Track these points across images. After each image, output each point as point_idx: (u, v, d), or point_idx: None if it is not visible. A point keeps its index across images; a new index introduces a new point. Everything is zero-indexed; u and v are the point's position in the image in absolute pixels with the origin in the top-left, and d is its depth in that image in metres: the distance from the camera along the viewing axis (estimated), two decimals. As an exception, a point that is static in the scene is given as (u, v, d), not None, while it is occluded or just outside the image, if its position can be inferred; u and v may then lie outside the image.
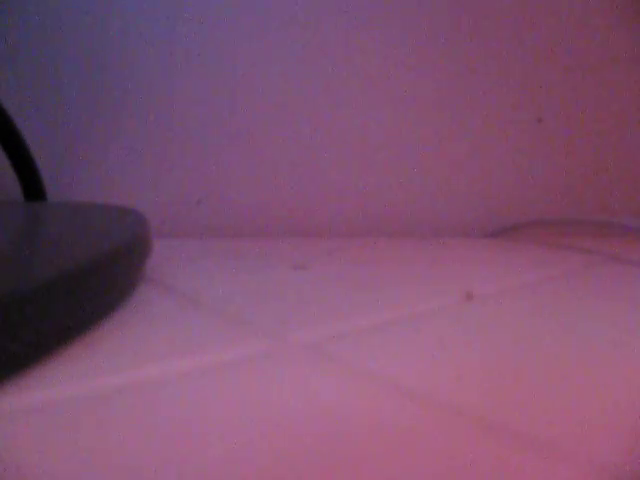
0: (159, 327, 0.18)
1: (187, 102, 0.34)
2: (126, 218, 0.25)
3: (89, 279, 0.17)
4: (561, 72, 0.38)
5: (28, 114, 0.32)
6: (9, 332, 0.13)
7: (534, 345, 0.17)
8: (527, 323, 0.19)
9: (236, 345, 0.16)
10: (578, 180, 0.39)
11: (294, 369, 0.15)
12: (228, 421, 0.12)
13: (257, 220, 0.36)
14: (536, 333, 0.18)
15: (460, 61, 0.37)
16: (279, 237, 0.35)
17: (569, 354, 0.16)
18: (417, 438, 0.11)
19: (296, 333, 0.17)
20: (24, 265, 0.17)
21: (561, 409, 0.13)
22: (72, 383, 0.13)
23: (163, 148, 0.35)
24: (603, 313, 0.21)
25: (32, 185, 0.31)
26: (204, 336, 0.17)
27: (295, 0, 0.35)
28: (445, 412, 0.13)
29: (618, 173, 0.39)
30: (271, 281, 0.24)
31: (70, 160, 0.34)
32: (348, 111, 0.36)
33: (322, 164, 0.36)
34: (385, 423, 0.12)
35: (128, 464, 0.10)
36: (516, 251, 0.33)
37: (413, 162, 0.37)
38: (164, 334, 0.17)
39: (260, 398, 0.13)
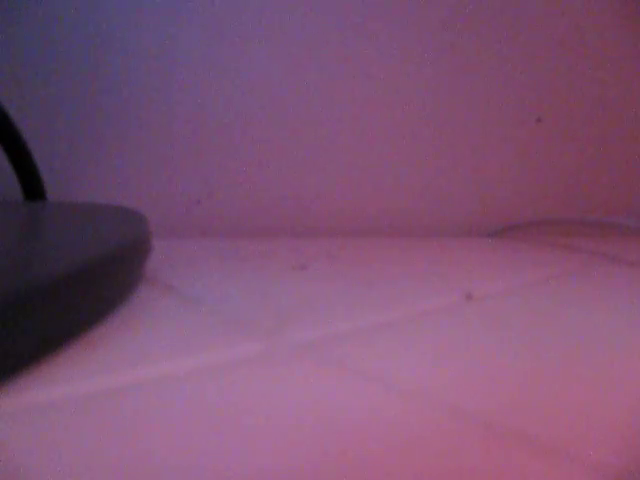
0: (159, 327, 0.18)
1: (187, 102, 0.34)
2: (126, 218, 0.25)
3: (89, 279, 0.17)
4: (561, 72, 0.38)
5: (28, 114, 0.32)
6: (9, 332, 0.13)
7: (534, 345, 0.17)
8: (527, 323, 0.19)
9: (235, 345, 0.16)
10: (578, 180, 0.39)
11: (293, 369, 0.15)
12: (227, 421, 0.12)
13: (257, 220, 0.36)
14: (536, 333, 0.18)
15: (460, 61, 0.37)
16: (279, 237, 0.35)
17: (569, 354, 0.16)
18: (416, 438, 0.11)
19: (295, 333, 0.17)
20: (24, 265, 0.17)
21: (561, 409, 0.13)
22: (72, 383, 0.13)
23: (163, 148, 0.35)
24: (603, 313, 0.21)
25: (32, 185, 0.31)
26: (204, 336, 0.17)
27: None
28: (445, 412, 0.13)
29: (618, 173, 0.39)
30: (271, 281, 0.24)
31: (70, 160, 0.34)
32: (348, 111, 0.36)
33: (322, 164, 0.36)
34: (384, 423, 0.12)
35: (127, 464, 0.10)
36: (516, 251, 0.33)
37: (413, 162, 0.37)
38: (164, 334, 0.17)
39: (259, 398, 0.13)
